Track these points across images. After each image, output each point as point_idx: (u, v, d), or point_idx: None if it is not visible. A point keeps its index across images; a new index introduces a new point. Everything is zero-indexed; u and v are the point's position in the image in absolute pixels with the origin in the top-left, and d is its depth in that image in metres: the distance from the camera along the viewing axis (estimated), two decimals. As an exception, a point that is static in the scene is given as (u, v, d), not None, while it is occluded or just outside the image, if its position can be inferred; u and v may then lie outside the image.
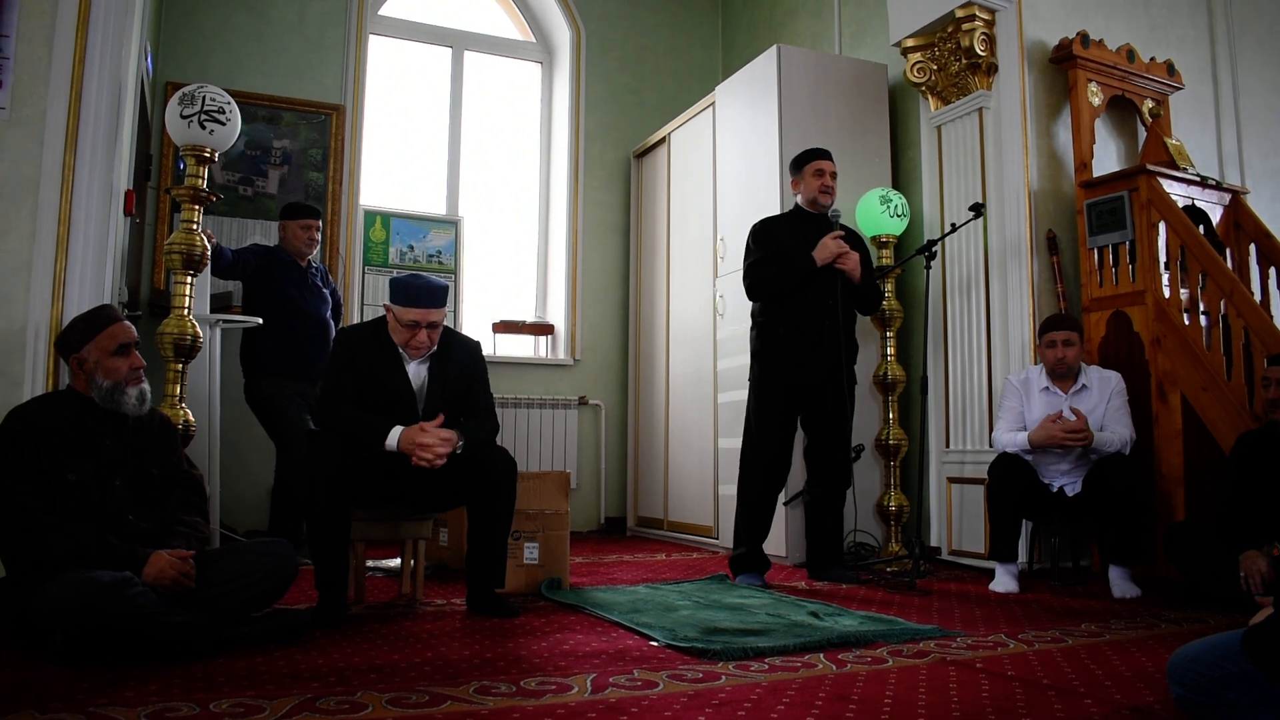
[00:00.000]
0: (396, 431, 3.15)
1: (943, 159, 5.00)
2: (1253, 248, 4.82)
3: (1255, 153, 5.67)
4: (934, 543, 4.82)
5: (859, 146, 5.28)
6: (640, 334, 6.69)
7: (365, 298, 6.04)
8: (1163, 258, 4.31)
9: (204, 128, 3.63)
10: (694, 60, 7.43)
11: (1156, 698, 2.19)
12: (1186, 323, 4.20)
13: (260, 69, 6.02)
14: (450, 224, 6.44)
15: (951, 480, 4.76)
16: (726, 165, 5.59)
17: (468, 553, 3.33)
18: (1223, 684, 1.81)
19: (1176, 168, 4.64)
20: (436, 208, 6.70)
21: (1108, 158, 4.94)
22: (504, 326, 6.68)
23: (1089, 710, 2.10)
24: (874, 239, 5.00)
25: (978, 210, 4.40)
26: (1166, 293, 4.28)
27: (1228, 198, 4.86)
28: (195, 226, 3.68)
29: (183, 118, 3.61)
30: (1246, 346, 3.98)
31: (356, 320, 5.82)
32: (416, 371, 3.37)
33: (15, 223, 3.20)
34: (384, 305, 3.37)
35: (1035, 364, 4.25)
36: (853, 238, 4.30)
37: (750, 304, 4.40)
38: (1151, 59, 5.03)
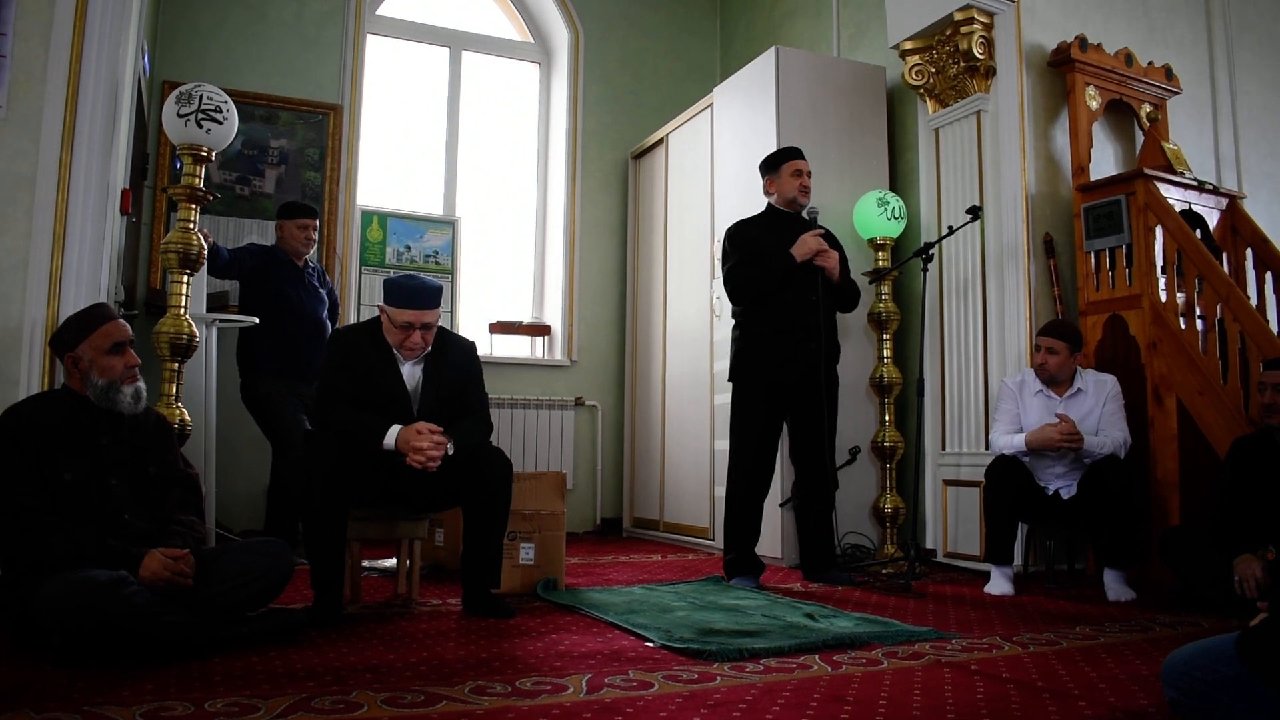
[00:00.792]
0: (394, 431, 3.15)
1: (940, 162, 5.01)
2: (1249, 252, 4.83)
3: (1253, 156, 5.69)
4: (930, 545, 4.82)
5: (857, 148, 5.29)
6: (637, 335, 6.69)
7: (362, 297, 6.03)
8: (1159, 262, 4.32)
9: (201, 127, 3.62)
10: (692, 61, 7.43)
11: (1151, 701, 2.20)
12: (1183, 327, 4.21)
13: (257, 68, 6.02)
14: (447, 224, 6.43)
15: (947, 483, 4.76)
16: (724, 166, 5.59)
17: (463, 553, 3.33)
18: (1217, 687, 1.81)
19: (1174, 172, 4.65)
20: (434, 208, 6.69)
21: (1105, 161, 4.95)
22: (501, 327, 6.68)
23: (1083, 713, 2.11)
24: (871, 241, 5.00)
25: (975, 213, 4.41)
26: (1163, 297, 4.29)
27: (1225, 202, 4.87)
28: (192, 226, 3.67)
29: (179, 116, 3.61)
30: (1243, 351, 3.99)
31: (353, 320, 5.82)
32: (411, 372, 3.37)
33: (12, 221, 3.19)
34: (378, 306, 3.36)
35: (1031, 367, 4.25)
36: (829, 237, 4.30)
37: (734, 304, 4.41)
38: (1150, 63, 5.03)
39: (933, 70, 4.97)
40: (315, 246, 5.02)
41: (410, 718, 2.00)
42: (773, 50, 5.18)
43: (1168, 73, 5.06)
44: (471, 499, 3.29)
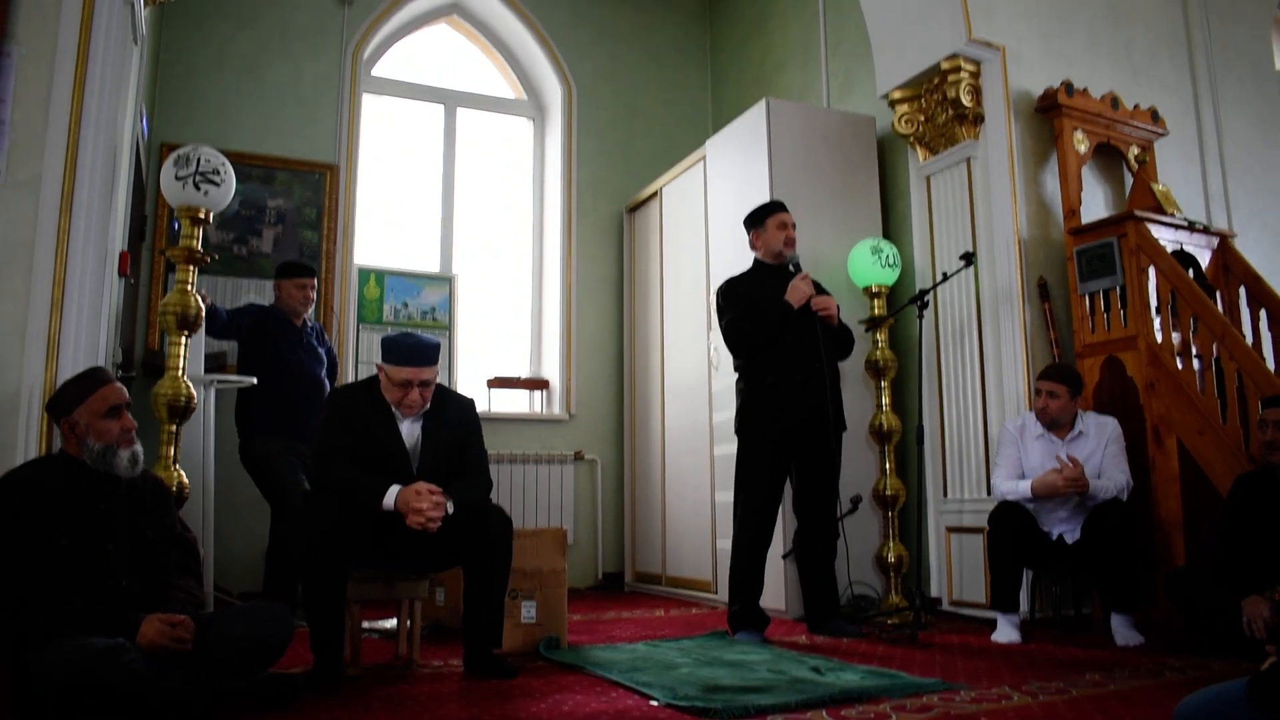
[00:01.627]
0: (394, 491, 3.13)
1: (932, 208, 5.04)
2: (1242, 290, 4.84)
3: (1241, 194, 5.73)
4: (935, 593, 4.79)
5: (849, 197, 5.33)
6: (635, 387, 6.69)
7: (360, 355, 6.04)
8: (1154, 302, 4.34)
9: (199, 189, 3.65)
10: (684, 114, 7.51)
11: (1164, 749, 2.16)
12: (1180, 367, 4.21)
13: (255, 129, 6.07)
14: (444, 280, 6.46)
15: (950, 530, 4.73)
16: (718, 218, 5.62)
17: (464, 612, 3.30)
18: (1231, 734, 1.79)
19: (1164, 213, 4.68)
20: (430, 264, 6.72)
21: (1095, 204, 4.99)
22: (499, 382, 6.68)
23: (1096, 763, 2.08)
24: (866, 289, 5.02)
25: (968, 259, 4.43)
26: (1159, 337, 4.30)
27: (1215, 241, 4.90)
28: (190, 287, 3.68)
29: (177, 179, 3.64)
30: (1240, 389, 3.99)
31: (352, 378, 5.82)
32: (410, 430, 3.36)
33: (10, 286, 3.20)
34: (376, 364, 3.36)
35: (1031, 410, 4.24)
36: (816, 285, 4.32)
37: (735, 356, 4.41)
38: (1135, 105, 5.09)
39: (922, 118, 5.02)
40: (313, 305, 5.04)
41: (413, 783, 1.96)
42: (763, 102, 5.24)
43: (1154, 115, 5.12)
44: (472, 558, 3.27)
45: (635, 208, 6.90)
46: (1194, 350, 4.23)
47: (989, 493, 4.32)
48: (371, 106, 6.72)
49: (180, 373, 3.65)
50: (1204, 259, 4.81)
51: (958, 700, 2.77)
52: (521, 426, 6.57)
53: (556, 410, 6.74)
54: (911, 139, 5.10)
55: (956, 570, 4.68)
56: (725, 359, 5.25)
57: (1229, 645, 3.39)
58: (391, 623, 4.36)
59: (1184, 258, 4.67)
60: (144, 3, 3.78)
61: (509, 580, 3.37)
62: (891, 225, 5.50)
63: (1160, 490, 4.21)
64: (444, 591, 4.27)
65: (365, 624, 4.23)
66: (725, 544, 5.03)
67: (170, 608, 2.68)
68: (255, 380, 4.65)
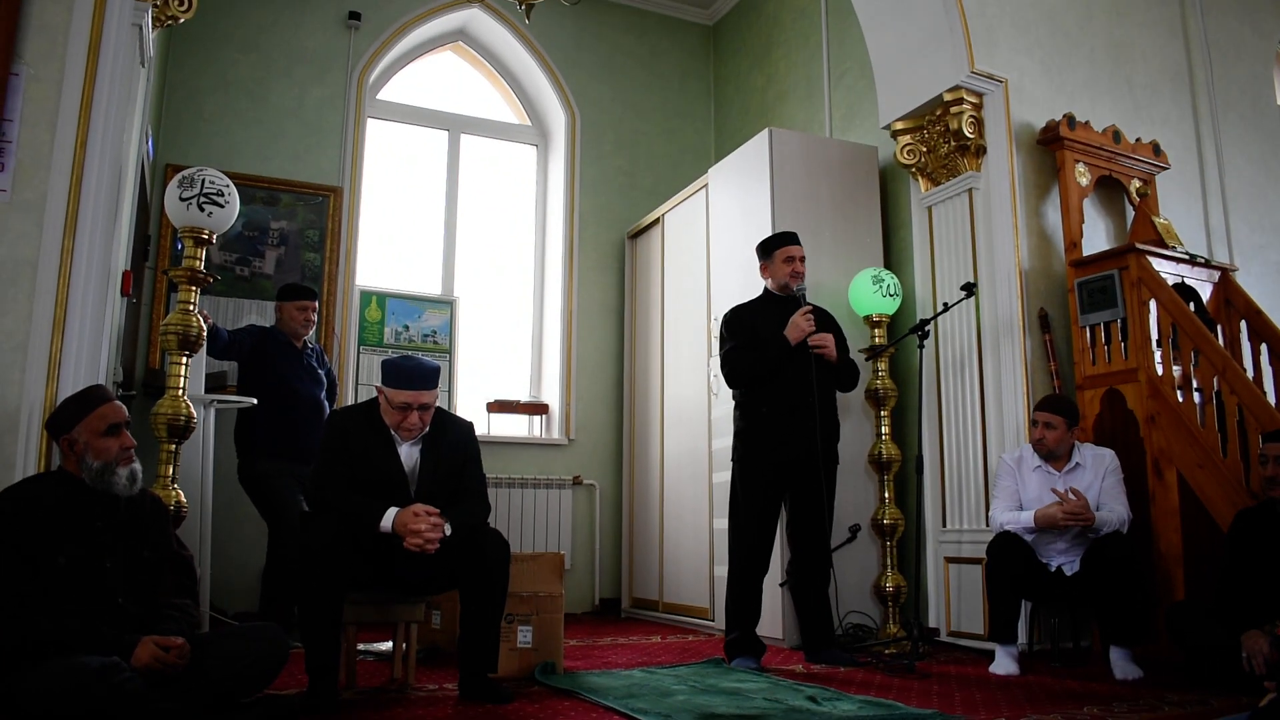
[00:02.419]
0: (391, 513, 3.13)
1: (934, 239, 5.06)
2: (1243, 324, 4.85)
3: (1243, 229, 5.75)
4: (933, 623, 4.76)
5: (850, 227, 5.34)
6: (635, 414, 6.69)
7: (360, 378, 6.04)
8: (1154, 335, 4.34)
9: (202, 210, 3.67)
10: (687, 143, 7.56)
11: (1163, 784, 2.15)
12: (1180, 400, 4.21)
13: (259, 152, 6.11)
14: (445, 304, 6.47)
15: (949, 560, 4.72)
16: (720, 246, 5.64)
17: (460, 636, 3.28)
18: (1229, 770, 1.78)
19: (1165, 246, 4.70)
20: (432, 288, 6.74)
21: (1097, 236, 5.00)
22: (499, 406, 6.68)
23: (1094, 798, 2.06)
24: (867, 318, 5.03)
25: (969, 289, 4.44)
26: (1160, 370, 4.30)
27: (1217, 275, 4.91)
28: (192, 307, 3.70)
29: (182, 200, 3.66)
30: (1241, 423, 3.99)
31: (351, 400, 5.82)
32: (409, 453, 3.36)
33: (12, 304, 3.21)
34: (376, 387, 3.37)
35: (1029, 442, 4.24)
36: (823, 316, 4.33)
37: (731, 386, 4.42)
38: (1137, 139, 5.12)
39: (924, 149, 5.05)
40: (314, 327, 5.05)
41: (405, 808, 1.95)
42: (766, 131, 5.27)
43: (1155, 149, 5.14)
44: (469, 581, 3.25)
45: (637, 234, 6.93)
46: (1195, 384, 4.23)
47: (988, 523, 4.31)
48: (376, 131, 6.76)
49: (180, 392, 3.66)
50: (1205, 292, 4.82)
51: (955, 732, 2.75)
52: (520, 450, 6.56)
53: (556, 435, 6.73)
54: (913, 169, 5.13)
55: (955, 601, 4.66)
56: (725, 387, 5.25)
57: (1229, 680, 3.37)
58: (387, 645, 4.33)
59: (1185, 291, 4.68)
60: (152, 25, 3.81)
61: (505, 604, 3.35)
62: (893, 255, 5.51)
63: (1160, 524, 4.20)
64: (440, 615, 4.25)
65: (361, 646, 4.21)
66: (723, 571, 5.00)
67: (166, 627, 2.67)
68: (255, 401, 4.65)
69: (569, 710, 3.06)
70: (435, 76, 7.16)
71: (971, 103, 4.85)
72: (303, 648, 3.09)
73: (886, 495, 4.92)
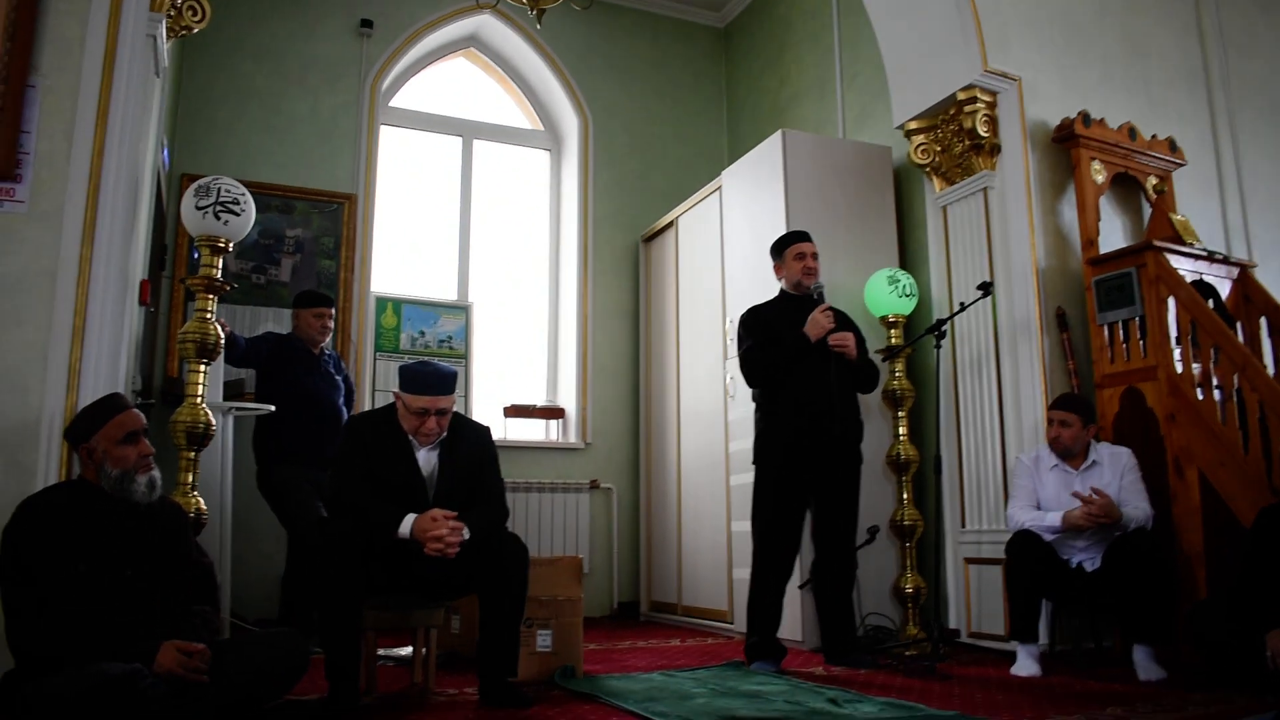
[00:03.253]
0: (409, 519, 3.14)
1: (949, 239, 5.04)
2: (1263, 321, 4.81)
3: (1261, 225, 5.70)
4: (953, 624, 4.74)
5: (865, 228, 5.33)
6: (651, 417, 6.69)
7: (377, 384, 6.06)
8: (1173, 333, 4.31)
9: (219, 218, 3.68)
10: (700, 146, 7.55)
11: (1189, 785, 2.13)
12: (1200, 398, 4.17)
13: (274, 160, 6.14)
14: (461, 309, 6.49)
15: (969, 560, 4.69)
16: (734, 248, 5.64)
17: (479, 641, 3.28)
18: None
19: (1183, 243, 4.66)
20: (447, 293, 6.76)
21: (1113, 234, 4.97)
22: (515, 410, 6.69)
23: (1120, 799, 2.04)
24: (883, 319, 5.01)
25: (986, 289, 4.42)
26: (1179, 368, 4.26)
27: (1236, 271, 4.87)
28: (209, 315, 3.71)
29: (198, 209, 3.68)
30: (1262, 420, 3.95)
31: (368, 406, 5.84)
32: (426, 458, 3.36)
33: (32, 314, 3.23)
34: (393, 393, 3.37)
35: (1046, 441, 4.21)
36: (842, 317, 4.32)
37: (751, 388, 4.41)
38: (1153, 136, 5.08)
39: (938, 149, 5.03)
40: (331, 334, 5.07)
41: (427, 813, 1.95)
42: (779, 133, 5.26)
43: (1171, 145, 5.11)
44: (487, 586, 3.26)
45: (651, 237, 6.93)
46: (1215, 381, 4.19)
47: (1007, 524, 4.29)
48: (389, 137, 6.79)
49: (199, 400, 3.67)
50: (1224, 289, 4.78)
51: (977, 733, 2.74)
52: (537, 455, 6.57)
53: (572, 439, 6.74)
54: (928, 169, 5.11)
55: (975, 601, 4.64)
56: (742, 388, 5.24)
57: (1252, 680, 3.34)
58: (407, 650, 4.34)
59: (1204, 288, 4.64)
60: (166, 36, 3.83)
61: (525, 609, 3.35)
62: (908, 255, 5.50)
63: (1181, 523, 4.16)
64: (460, 619, 4.25)
65: (381, 651, 4.22)
66: (741, 573, 5.00)
67: (187, 634, 2.69)
68: (273, 408, 4.67)
69: (589, 714, 3.06)
70: (447, 83, 7.18)
71: (985, 101, 4.83)
72: (323, 653, 3.10)
73: (905, 496, 4.91)
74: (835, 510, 4.19)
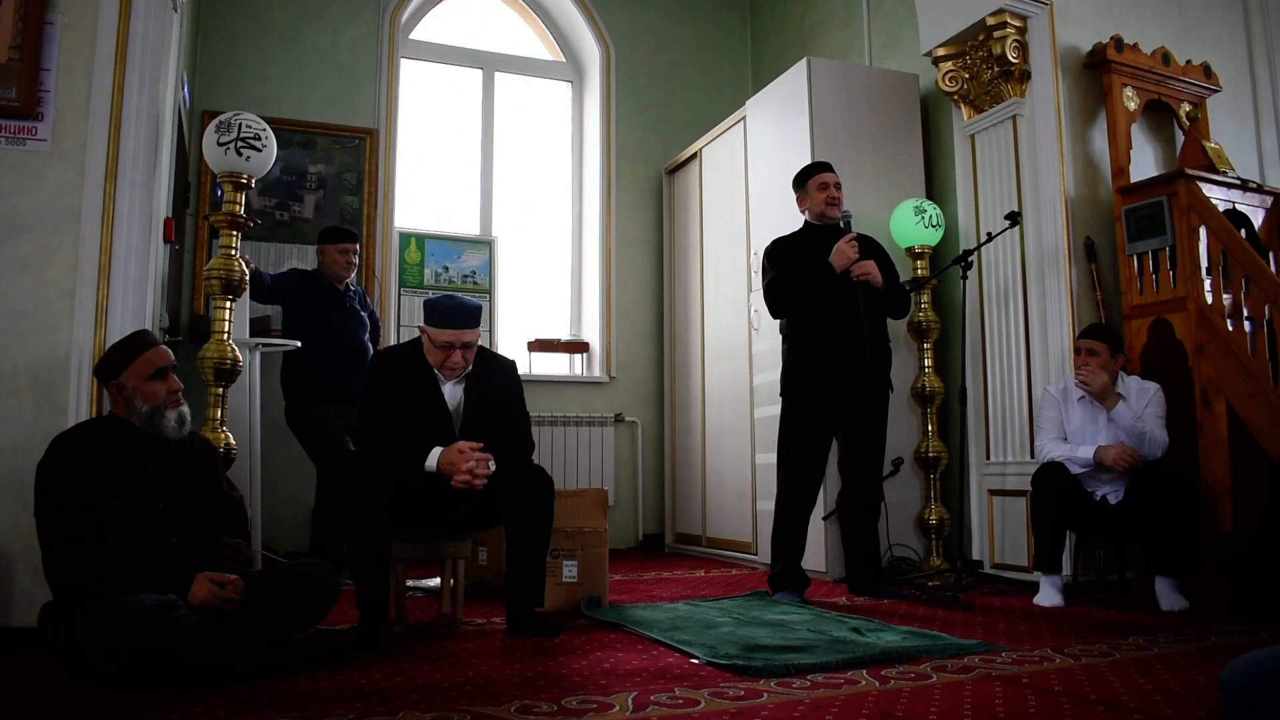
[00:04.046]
0: (436, 453, 3.17)
1: (977, 168, 4.96)
2: (1297, 251, 4.73)
3: (1296, 153, 5.58)
4: (976, 556, 4.76)
5: (892, 157, 5.26)
6: (675, 350, 6.69)
7: (402, 319, 6.09)
8: (1204, 263, 4.24)
9: (240, 154, 3.68)
10: (723, 75, 7.44)
11: (1208, 713, 2.15)
12: (1230, 329, 4.12)
13: (295, 96, 6.10)
14: (484, 244, 6.48)
15: (993, 492, 4.70)
16: (758, 179, 5.58)
17: (506, 572, 3.33)
18: (1279, 699, 1.77)
19: (1216, 171, 4.57)
20: (470, 228, 6.74)
21: (1145, 163, 4.88)
22: (539, 345, 6.71)
23: (1139, 726, 2.07)
24: (909, 250, 4.97)
25: (1014, 219, 4.37)
26: (1209, 299, 4.21)
27: (1270, 200, 4.77)
28: (233, 252, 3.73)
29: (219, 145, 3.67)
30: (1293, 352, 3.91)
31: (394, 341, 5.87)
32: (452, 392, 3.38)
33: (58, 253, 3.25)
34: (418, 327, 3.39)
35: (1073, 373, 4.18)
36: (870, 244, 4.28)
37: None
38: (1188, 61, 4.96)
39: (966, 76, 4.93)
40: (356, 270, 5.07)
41: (457, 738, 2.00)
42: (804, 61, 5.17)
43: (1206, 70, 4.98)
44: (514, 518, 3.30)
45: (674, 169, 6.86)
46: (1245, 312, 4.14)
47: (1032, 455, 4.28)
48: (410, 71, 6.72)
49: (226, 336, 3.70)
50: (1257, 219, 4.69)
51: (999, 662, 2.76)
52: (562, 389, 6.60)
53: (597, 372, 6.76)
54: (956, 97, 5.01)
55: (998, 533, 4.65)
56: (766, 321, 5.24)
57: (1277, 612, 3.35)
58: (435, 582, 4.42)
59: (1236, 217, 4.55)
60: (184, -32, 3.80)
61: (551, 540, 3.40)
62: (935, 185, 5.43)
63: (1207, 454, 4.14)
64: (487, 551, 4.32)
65: (410, 583, 4.30)
66: (765, 505, 5.03)
67: (219, 566, 2.74)
68: (300, 344, 4.70)
69: (615, 642, 3.11)
70: (467, 14, 7.08)
71: (1015, 26, 4.71)
72: (353, 585, 3.16)
73: (930, 428, 4.91)
74: (864, 441, 4.19)
